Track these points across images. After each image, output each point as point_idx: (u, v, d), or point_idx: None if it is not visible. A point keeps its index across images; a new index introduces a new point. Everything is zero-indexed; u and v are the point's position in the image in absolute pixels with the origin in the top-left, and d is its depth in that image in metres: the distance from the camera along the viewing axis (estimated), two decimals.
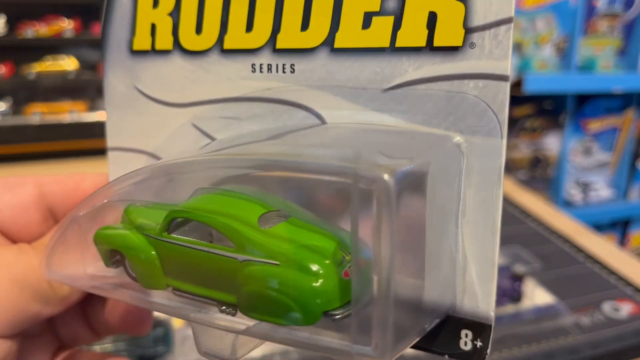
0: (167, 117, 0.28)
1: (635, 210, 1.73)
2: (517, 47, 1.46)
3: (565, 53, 1.49)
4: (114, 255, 0.24)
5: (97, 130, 1.23)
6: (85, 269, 0.25)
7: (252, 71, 0.25)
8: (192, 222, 0.22)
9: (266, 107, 0.25)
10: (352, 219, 0.17)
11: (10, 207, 0.27)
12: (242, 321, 0.21)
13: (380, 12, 0.21)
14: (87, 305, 0.30)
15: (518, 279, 0.68)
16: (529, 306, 0.69)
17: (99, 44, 1.07)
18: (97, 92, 1.26)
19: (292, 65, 0.24)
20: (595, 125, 1.66)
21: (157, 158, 0.28)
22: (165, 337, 0.57)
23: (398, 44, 0.21)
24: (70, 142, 1.17)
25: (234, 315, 0.21)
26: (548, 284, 0.74)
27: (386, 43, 0.22)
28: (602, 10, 1.55)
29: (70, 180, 0.30)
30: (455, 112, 0.21)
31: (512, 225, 0.93)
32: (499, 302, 0.68)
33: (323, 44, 0.23)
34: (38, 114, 1.16)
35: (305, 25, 0.23)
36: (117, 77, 0.28)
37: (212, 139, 0.27)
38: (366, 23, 0.22)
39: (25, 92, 1.20)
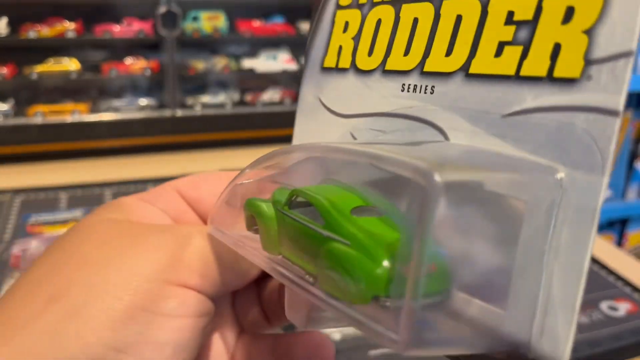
0: (334, 125, 0.31)
1: (633, 209, 1.74)
2: None
3: None
4: (253, 221, 0.27)
5: (99, 130, 1.23)
6: (234, 229, 0.28)
7: (402, 90, 0.27)
8: (309, 203, 0.25)
9: (406, 123, 0.27)
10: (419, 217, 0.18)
11: (208, 196, 0.32)
12: (315, 291, 0.23)
13: (512, 42, 0.22)
14: (262, 292, 0.33)
15: None
16: None
17: (100, 46, 1.08)
18: (98, 93, 1.26)
19: (432, 87, 0.26)
20: None
21: (319, 159, 0.32)
22: None
23: (522, 72, 0.22)
24: (73, 143, 1.17)
25: (312, 284, 0.23)
26: None
27: (512, 71, 0.22)
28: None
29: (262, 177, 0.33)
30: (562, 144, 0.21)
31: None
32: None
33: (460, 69, 0.24)
34: (40, 114, 1.17)
35: (449, 51, 0.25)
36: (308, 89, 0.33)
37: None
38: (499, 51, 0.23)
39: (28, 93, 1.20)
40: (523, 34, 0.22)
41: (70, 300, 0.22)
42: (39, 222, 0.85)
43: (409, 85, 0.27)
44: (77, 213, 0.89)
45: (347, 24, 0.31)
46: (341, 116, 0.31)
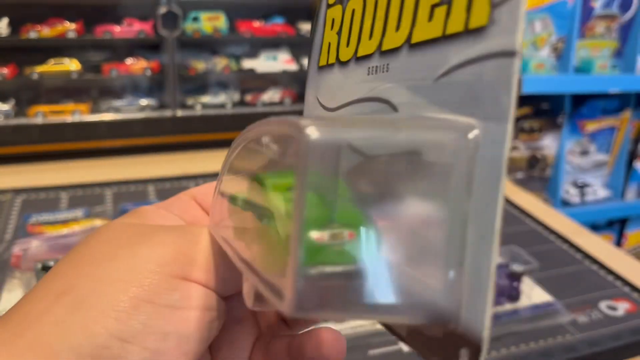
0: None
1: (632, 210, 1.74)
2: None
3: (562, 54, 1.49)
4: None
5: (100, 131, 1.23)
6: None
7: (368, 74, 0.28)
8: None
9: (371, 105, 0.27)
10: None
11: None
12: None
13: (440, 3, 0.22)
14: None
15: (516, 277, 0.69)
16: (526, 305, 0.70)
17: (101, 46, 1.08)
18: (99, 93, 1.26)
19: (387, 65, 0.26)
20: (593, 125, 1.67)
21: None
22: None
23: (447, 31, 0.22)
24: (73, 143, 1.17)
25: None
26: (545, 283, 0.75)
27: (440, 32, 0.22)
28: (599, 12, 1.56)
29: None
30: (476, 98, 0.20)
31: (510, 225, 0.94)
32: (497, 301, 0.68)
33: (405, 41, 0.24)
34: (41, 114, 1.17)
35: (398, 26, 0.25)
36: (310, 90, 0.34)
37: None
38: (430, 15, 0.23)
39: (28, 93, 1.21)
40: None
41: (77, 293, 0.24)
42: (40, 222, 0.85)
43: (371, 67, 0.27)
44: (77, 213, 0.89)
45: (333, 20, 0.31)
46: (330, 110, 0.32)
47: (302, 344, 0.31)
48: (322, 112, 0.33)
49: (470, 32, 0.20)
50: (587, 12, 1.54)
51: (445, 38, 0.22)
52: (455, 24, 0.21)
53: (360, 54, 0.28)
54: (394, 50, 0.25)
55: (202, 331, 0.26)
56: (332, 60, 0.31)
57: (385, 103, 0.26)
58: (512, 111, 0.18)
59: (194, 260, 0.27)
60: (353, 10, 0.29)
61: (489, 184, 0.19)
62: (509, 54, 0.19)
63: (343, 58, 0.30)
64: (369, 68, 0.27)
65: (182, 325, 0.25)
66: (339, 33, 0.30)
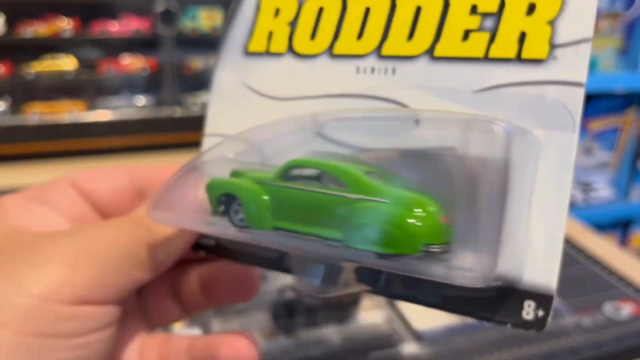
0: (271, 109, 0.32)
1: (637, 210, 1.73)
2: None
3: None
4: (222, 201, 0.28)
5: (96, 130, 1.23)
6: (192, 214, 0.30)
7: (357, 72, 0.29)
8: (302, 175, 0.27)
9: (364, 102, 0.29)
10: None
11: (107, 190, 0.32)
12: (346, 253, 0.25)
13: (478, 30, 0.26)
14: (180, 279, 0.33)
15: None
16: None
17: (97, 44, 1.07)
18: (95, 91, 1.26)
19: (393, 69, 0.28)
20: (597, 125, 1.66)
21: (254, 145, 0.32)
22: None
23: (491, 55, 0.26)
24: (69, 142, 1.17)
25: (340, 248, 0.25)
26: None
27: (481, 54, 0.26)
28: (603, 10, 1.55)
29: (158, 169, 0.35)
30: (534, 111, 0.25)
31: None
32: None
33: (425, 52, 0.28)
34: (37, 113, 1.17)
35: (410, 36, 0.28)
36: (227, 73, 0.34)
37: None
38: (465, 37, 0.27)
39: (24, 92, 1.20)
40: (488, 23, 0.26)
41: None
42: None
43: (365, 67, 0.29)
44: None
45: (278, 10, 0.32)
46: (280, 99, 0.32)
47: (211, 349, 0.29)
48: (260, 100, 0.32)
49: (523, 61, 0.25)
50: None
51: (487, 59, 0.26)
52: (502, 51, 0.26)
53: (340, 52, 0.30)
54: (405, 58, 0.28)
55: (106, 347, 0.24)
56: (278, 49, 0.32)
57: (390, 102, 0.28)
58: (578, 125, 0.24)
59: (87, 276, 0.24)
60: (321, 9, 0.31)
61: (560, 177, 0.24)
62: (579, 84, 0.24)
63: (304, 51, 0.31)
64: (358, 67, 0.29)
65: (81, 351, 0.23)
66: (293, 24, 0.31)
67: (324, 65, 0.31)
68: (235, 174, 0.29)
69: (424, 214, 0.24)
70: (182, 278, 0.33)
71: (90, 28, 1.22)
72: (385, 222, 0.24)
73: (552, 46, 0.25)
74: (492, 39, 0.26)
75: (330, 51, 0.30)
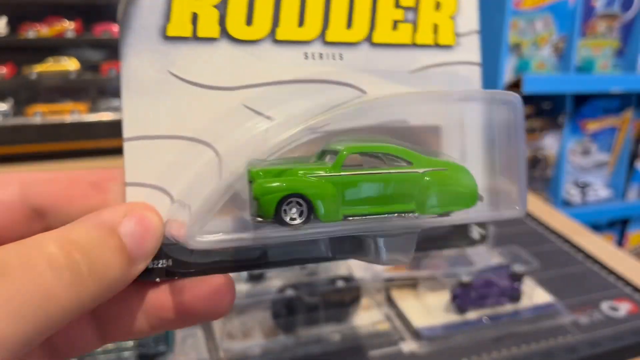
0: (212, 100, 0.29)
1: (634, 210, 1.74)
2: (516, 48, 1.46)
3: (563, 54, 1.49)
4: (282, 203, 0.27)
5: (99, 130, 1.23)
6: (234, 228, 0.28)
7: (305, 58, 0.30)
8: (353, 163, 0.28)
9: (318, 87, 0.31)
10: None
11: None
12: (420, 221, 0.29)
13: (404, 21, 0.32)
14: (114, 302, 0.28)
15: (517, 278, 0.68)
16: (527, 305, 0.69)
17: (100, 45, 1.07)
18: (98, 92, 1.26)
19: (340, 54, 0.31)
20: (594, 125, 1.67)
21: (200, 141, 0.29)
22: (166, 336, 0.58)
23: (416, 42, 0.33)
24: (72, 143, 1.17)
25: (417, 218, 0.29)
26: (547, 284, 0.74)
27: (409, 41, 0.33)
28: (600, 11, 1.55)
29: (61, 181, 0.30)
30: (453, 84, 0.34)
31: (511, 225, 0.93)
32: (498, 301, 0.68)
33: (365, 39, 0.31)
34: (39, 114, 1.16)
35: (349, 25, 0.31)
36: (143, 61, 0.28)
37: (265, 116, 0.30)
38: (394, 26, 0.32)
39: (27, 93, 1.20)
40: (410, 15, 0.32)
41: None
42: None
43: (313, 53, 0.30)
44: None
45: None
46: (224, 89, 0.29)
47: (185, 291, 0.28)
48: (196, 90, 0.29)
49: (439, 47, 0.33)
50: (588, 12, 1.53)
51: (415, 46, 0.33)
52: (424, 39, 0.33)
53: (283, 37, 0.30)
54: (349, 44, 0.31)
55: None
56: (209, 34, 0.29)
57: (345, 85, 0.31)
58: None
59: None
60: None
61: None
62: (476, 63, 0.34)
63: (242, 36, 0.29)
64: (306, 53, 0.30)
65: None
66: (221, 7, 0.29)
67: (269, 51, 0.30)
68: (256, 174, 0.27)
69: (471, 174, 0.30)
70: (118, 300, 0.28)
71: (92, 30, 1.22)
72: (454, 185, 0.29)
73: (457, 35, 0.33)
74: (415, 29, 0.32)
75: (272, 37, 0.30)
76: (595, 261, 0.82)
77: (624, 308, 0.71)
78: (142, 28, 0.28)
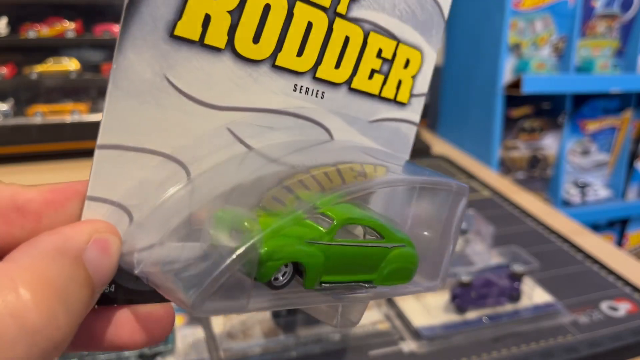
0: (199, 117, 0.26)
1: (633, 210, 1.74)
2: (516, 48, 1.46)
3: (563, 54, 1.49)
4: (282, 268, 0.26)
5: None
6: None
7: (294, 90, 0.29)
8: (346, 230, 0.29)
9: (295, 121, 0.30)
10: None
11: None
12: (378, 290, 0.30)
13: (379, 71, 0.33)
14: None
15: (517, 278, 0.69)
16: (527, 305, 0.69)
17: (100, 45, 1.07)
18: (98, 93, 1.26)
19: (322, 93, 0.31)
20: (594, 125, 1.67)
21: (176, 161, 0.26)
22: None
23: (382, 94, 0.33)
24: (72, 143, 1.17)
25: (374, 288, 0.30)
26: (546, 283, 0.75)
27: (377, 92, 0.33)
28: (600, 11, 1.55)
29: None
30: (395, 141, 0.35)
31: (510, 225, 0.93)
32: (498, 301, 0.68)
33: (345, 82, 0.31)
34: (40, 114, 1.16)
35: (338, 65, 0.31)
36: (142, 58, 0.24)
37: (245, 144, 0.28)
38: (371, 75, 0.32)
39: (27, 93, 1.20)
40: (385, 67, 0.33)
41: None
42: None
43: (302, 87, 0.30)
44: None
45: None
46: (213, 107, 0.27)
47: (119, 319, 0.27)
48: (186, 104, 0.26)
49: (396, 102, 0.34)
50: (588, 12, 1.54)
51: (380, 97, 0.33)
52: (388, 93, 0.33)
53: (281, 63, 0.28)
54: (332, 84, 0.31)
55: None
56: (216, 42, 0.26)
57: (316, 124, 0.31)
58: (409, 155, 0.36)
59: None
60: (268, 6, 0.27)
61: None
62: (415, 124, 0.35)
63: (247, 54, 0.27)
64: (296, 85, 0.29)
65: None
66: (234, 15, 0.26)
67: (266, 75, 0.28)
68: (234, 217, 0.25)
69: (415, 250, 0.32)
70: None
71: (93, 30, 1.22)
72: (405, 261, 0.31)
73: (411, 95, 0.35)
74: (384, 81, 0.33)
75: (273, 60, 0.28)
76: (595, 261, 0.82)
77: (623, 308, 0.71)
78: (150, 18, 0.24)
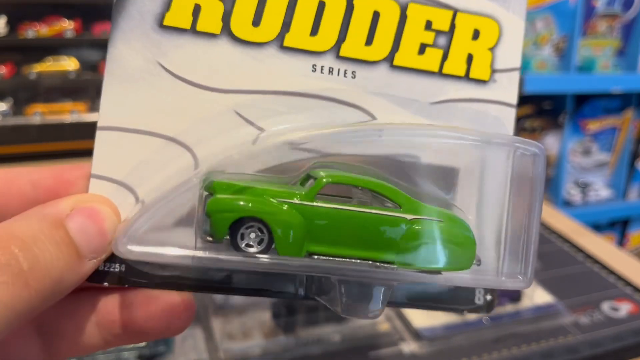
0: (200, 101, 0.27)
1: (634, 210, 1.73)
2: None
3: (564, 53, 1.49)
4: (240, 225, 0.24)
5: None
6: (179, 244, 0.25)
7: (313, 71, 0.28)
8: (333, 194, 0.25)
9: (320, 103, 0.28)
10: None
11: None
12: (403, 272, 0.26)
13: (433, 45, 0.29)
14: (61, 314, 0.27)
15: None
16: (528, 306, 0.69)
17: (99, 45, 1.06)
18: (97, 92, 1.26)
19: (353, 72, 0.28)
20: (594, 125, 1.67)
21: (179, 143, 0.27)
22: None
23: (444, 71, 0.29)
24: (71, 143, 1.17)
25: (394, 270, 0.25)
26: (547, 284, 0.74)
27: (436, 68, 0.29)
28: (601, 10, 1.55)
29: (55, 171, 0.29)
30: (480, 123, 0.30)
31: None
32: (499, 302, 0.68)
33: (385, 59, 0.28)
34: (39, 114, 1.16)
35: (369, 42, 0.28)
36: (132, 48, 0.27)
37: (257, 127, 0.28)
38: (421, 50, 0.29)
39: (26, 93, 1.20)
40: (442, 40, 0.29)
41: None
42: None
43: (323, 67, 0.28)
44: None
45: None
46: (214, 90, 0.27)
47: (141, 305, 0.27)
48: (183, 87, 0.27)
49: (471, 80, 0.29)
50: (589, 11, 1.53)
51: (442, 74, 0.29)
52: (454, 69, 0.29)
53: (292, 44, 0.27)
54: (365, 62, 0.28)
55: None
56: (210, 29, 0.27)
57: (352, 107, 0.28)
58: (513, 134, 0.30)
59: None
60: None
61: (502, 184, 0.28)
62: (511, 105, 0.30)
63: (246, 37, 0.27)
64: (315, 66, 0.28)
65: None
66: (227, 2, 0.27)
67: (274, 57, 0.27)
68: (220, 186, 0.25)
69: (471, 232, 0.26)
70: (67, 310, 0.27)
71: (92, 29, 1.21)
72: (448, 241, 0.25)
73: (493, 70, 0.30)
74: (445, 56, 0.29)
75: (280, 42, 0.27)
76: (596, 261, 0.82)
77: (624, 308, 0.71)
78: (138, 13, 0.27)
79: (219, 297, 0.63)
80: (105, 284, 0.27)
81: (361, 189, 0.25)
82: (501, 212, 0.28)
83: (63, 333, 0.27)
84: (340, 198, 0.25)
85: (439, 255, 0.25)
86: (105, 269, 0.27)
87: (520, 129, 1.59)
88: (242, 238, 0.24)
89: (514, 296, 0.68)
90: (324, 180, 0.25)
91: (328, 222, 0.24)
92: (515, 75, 0.30)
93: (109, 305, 0.27)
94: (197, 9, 0.27)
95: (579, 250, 0.85)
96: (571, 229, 0.93)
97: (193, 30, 0.27)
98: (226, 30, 0.27)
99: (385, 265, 0.25)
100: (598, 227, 1.71)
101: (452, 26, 0.29)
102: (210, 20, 0.27)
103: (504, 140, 0.28)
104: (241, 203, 0.24)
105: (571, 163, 1.67)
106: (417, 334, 0.64)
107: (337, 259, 0.24)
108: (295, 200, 0.24)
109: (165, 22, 0.27)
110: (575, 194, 1.66)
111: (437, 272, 0.26)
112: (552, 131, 1.62)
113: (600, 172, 1.73)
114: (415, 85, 0.29)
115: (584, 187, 1.67)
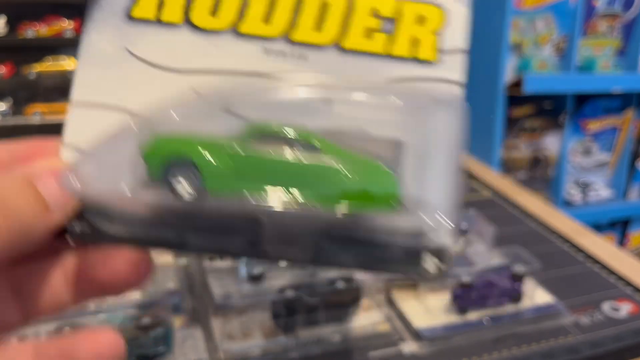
0: (161, 80, 0.31)
1: (635, 210, 1.73)
2: (517, 47, 1.46)
3: (564, 53, 1.49)
4: (169, 167, 0.27)
5: None
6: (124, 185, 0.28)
7: (264, 54, 0.31)
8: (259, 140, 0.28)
9: (272, 83, 0.31)
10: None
11: None
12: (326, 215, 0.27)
13: (380, 30, 0.31)
14: (35, 273, 0.29)
15: (518, 279, 0.68)
16: (528, 306, 0.69)
17: None
18: None
19: (304, 55, 0.31)
20: (595, 125, 1.67)
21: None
22: (165, 337, 0.57)
23: (392, 53, 0.31)
24: None
25: (316, 209, 0.27)
26: (548, 284, 0.74)
27: (382, 51, 0.31)
28: (601, 10, 1.55)
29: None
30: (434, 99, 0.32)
31: (511, 225, 0.93)
32: (499, 302, 0.68)
33: (333, 43, 0.31)
34: (38, 114, 1.16)
35: (318, 28, 0.31)
36: (103, 36, 0.31)
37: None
38: (368, 35, 0.31)
39: (26, 92, 1.20)
40: (388, 26, 0.32)
41: None
42: None
43: (276, 50, 0.31)
44: None
45: None
46: (174, 71, 0.31)
47: (65, 349, 0.27)
48: (147, 69, 0.30)
49: (419, 61, 0.32)
50: (589, 11, 1.53)
51: (390, 56, 0.31)
52: (401, 51, 0.31)
53: (246, 31, 0.31)
54: (315, 46, 0.31)
55: None
56: (172, 19, 0.30)
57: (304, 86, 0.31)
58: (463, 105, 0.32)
59: None
60: None
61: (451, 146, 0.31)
62: (457, 82, 0.32)
63: (205, 25, 0.31)
64: (267, 49, 0.31)
65: None
66: None
67: (228, 41, 0.31)
68: (165, 140, 0.28)
69: (393, 175, 0.28)
70: (38, 270, 0.30)
71: None
72: (366, 183, 0.27)
73: (440, 51, 0.32)
74: (391, 40, 0.32)
75: (235, 30, 0.31)
76: (596, 261, 0.82)
77: (625, 308, 0.71)
78: (108, 6, 0.30)
79: (219, 297, 0.63)
80: (70, 242, 0.29)
81: (289, 139, 0.28)
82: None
83: (36, 292, 0.29)
84: (272, 145, 0.28)
85: (358, 196, 0.27)
86: (69, 227, 0.29)
87: (520, 129, 1.58)
88: (177, 182, 0.27)
89: (514, 296, 0.68)
90: (252, 129, 0.27)
91: (255, 167, 0.27)
92: (461, 56, 0.32)
93: (75, 264, 0.30)
94: (161, 3, 0.31)
95: (580, 250, 0.85)
96: (571, 229, 0.93)
97: (158, 21, 0.31)
98: (186, 20, 0.31)
99: (307, 204, 0.27)
100: (598, 227, 1.71)
101: (398, 13, 0.32)
102: (173, 12, 0.30)
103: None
104: (171, 145, 0.27)
105: (571, 163, 1.67)
106: (417, 335, 0.64)
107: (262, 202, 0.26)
108: (226, 145, 0.27)
109: (133, 14, 0.31)
110: (575, 194, 1.66)
111: (355, 215, 0.27)
112: (553, 131, 1.62)
113: (601, 172, 1.73)
114: (364, 66, 0.31)
115: (584, 187, 1.67)
